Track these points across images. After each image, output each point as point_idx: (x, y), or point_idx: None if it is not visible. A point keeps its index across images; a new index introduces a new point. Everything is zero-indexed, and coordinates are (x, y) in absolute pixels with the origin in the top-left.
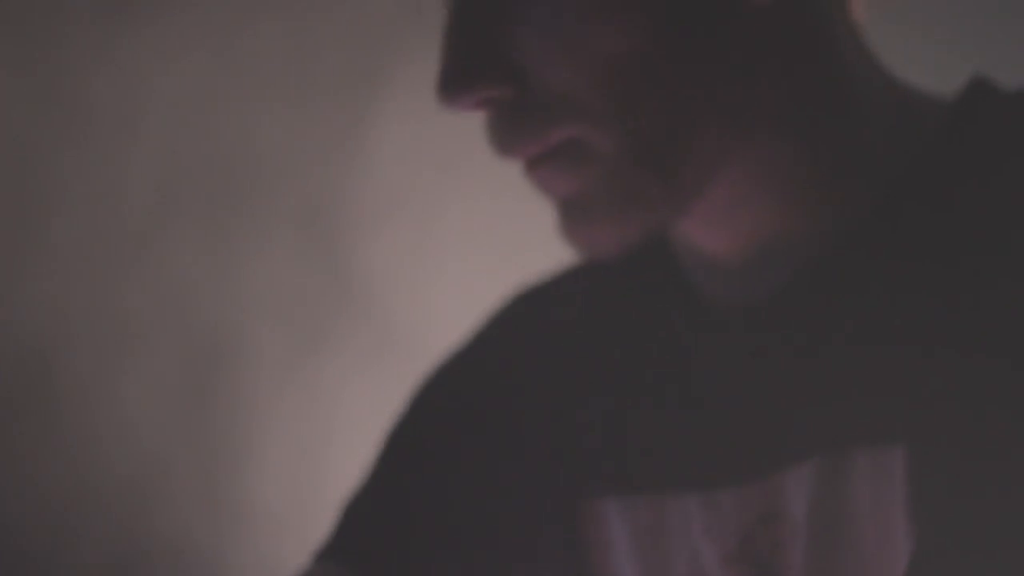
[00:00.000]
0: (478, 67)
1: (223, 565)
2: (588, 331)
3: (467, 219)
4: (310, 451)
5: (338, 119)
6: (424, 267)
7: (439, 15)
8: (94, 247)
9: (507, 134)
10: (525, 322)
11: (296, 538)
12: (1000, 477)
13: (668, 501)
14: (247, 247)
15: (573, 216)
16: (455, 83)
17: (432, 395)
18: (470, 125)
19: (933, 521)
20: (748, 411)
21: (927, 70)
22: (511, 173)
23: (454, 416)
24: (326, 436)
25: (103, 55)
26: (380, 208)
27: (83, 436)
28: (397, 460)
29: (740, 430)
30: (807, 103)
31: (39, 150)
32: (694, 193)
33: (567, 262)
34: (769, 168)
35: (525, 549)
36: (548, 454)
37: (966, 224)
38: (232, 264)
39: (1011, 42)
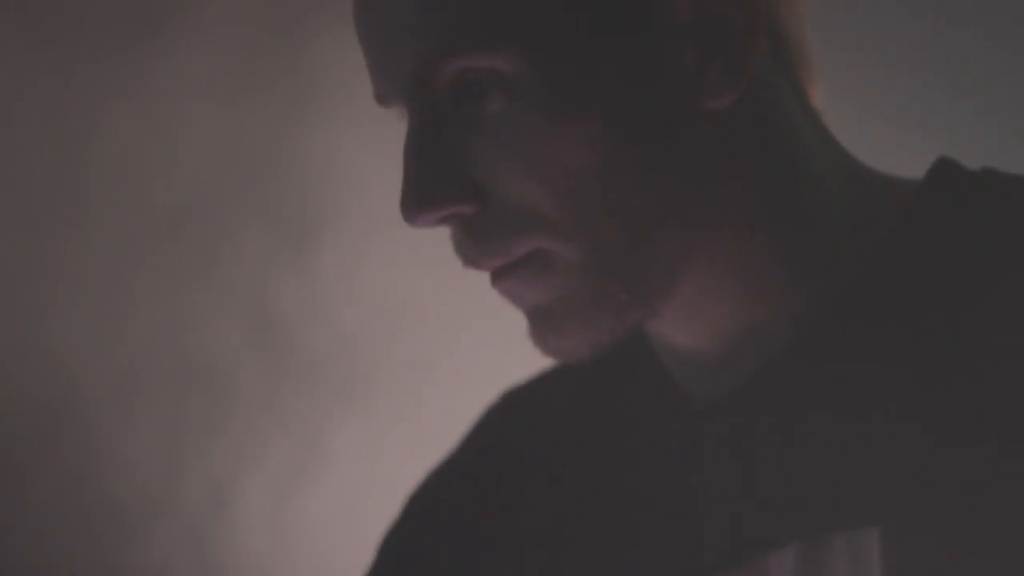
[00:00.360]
0: (439, 186)
1: None
2: (573, 429)
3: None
4: (295, 495)
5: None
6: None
7: None
8: (96, 300)
9: (471, 248)
10: (512, 424)
11: None
12: (973, 559)
13: None
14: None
15: (542, 324)
16: (418, 202)
17: (425, 502)
18: None
19: None
20: (730, 497)
21: (891, 153)
22: None
23: (447, 523)
24: (310, 480)
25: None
26: (367, 239)
27: (85, 473)
28: (392, 568)
29: (723, 516)
30: (770, 198)
31: (43, 200)
32: (661, 295)
33: None
34: (735, 264)
35: None
36: (540, 552)
37: (935, 306)
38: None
39: (975, 122)
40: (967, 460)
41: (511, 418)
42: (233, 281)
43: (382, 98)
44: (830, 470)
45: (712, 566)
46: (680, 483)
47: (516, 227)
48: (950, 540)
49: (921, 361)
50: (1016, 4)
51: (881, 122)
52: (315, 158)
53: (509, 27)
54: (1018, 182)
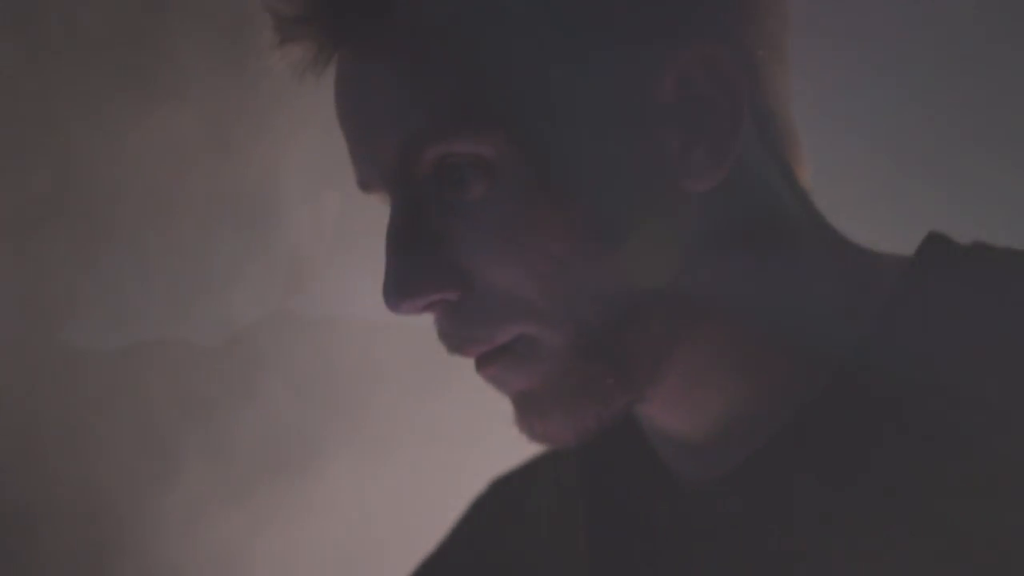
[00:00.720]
0: (422, 273)
1: None
2: (562, 516)
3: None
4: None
5: None
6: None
7: None
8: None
9: (455, 335)
10: (501, 513)
11: None
12: None
13: None
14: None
15: (528, 410)
16: (400, 290)
17: None
18: None
19: None
20: None
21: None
22: None
23: None
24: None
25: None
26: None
27: (118, 547)
28: None
29: None
30: (756, 280)
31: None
32: (647, 381)
33: None
34: (722, 347)
35: None
36: None
37: (931, 387)
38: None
39: (964, 197)
40: (958, 557)
41: (500, 507)
42: None
43: (365, 184)
44: (822, 559)
45: None
46: (671, 568)
47: (500, 313)
48: None
49: (915, 452)
50: (999, 82)
51: (870, 199)
52: (291, 199)
53: (491, 113)
54: (1010, 255)
